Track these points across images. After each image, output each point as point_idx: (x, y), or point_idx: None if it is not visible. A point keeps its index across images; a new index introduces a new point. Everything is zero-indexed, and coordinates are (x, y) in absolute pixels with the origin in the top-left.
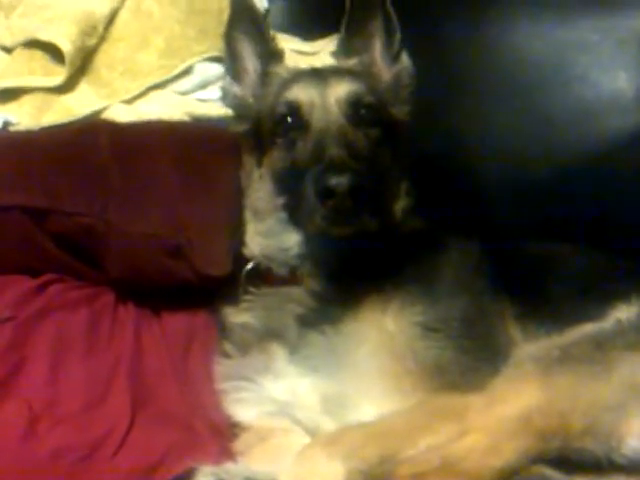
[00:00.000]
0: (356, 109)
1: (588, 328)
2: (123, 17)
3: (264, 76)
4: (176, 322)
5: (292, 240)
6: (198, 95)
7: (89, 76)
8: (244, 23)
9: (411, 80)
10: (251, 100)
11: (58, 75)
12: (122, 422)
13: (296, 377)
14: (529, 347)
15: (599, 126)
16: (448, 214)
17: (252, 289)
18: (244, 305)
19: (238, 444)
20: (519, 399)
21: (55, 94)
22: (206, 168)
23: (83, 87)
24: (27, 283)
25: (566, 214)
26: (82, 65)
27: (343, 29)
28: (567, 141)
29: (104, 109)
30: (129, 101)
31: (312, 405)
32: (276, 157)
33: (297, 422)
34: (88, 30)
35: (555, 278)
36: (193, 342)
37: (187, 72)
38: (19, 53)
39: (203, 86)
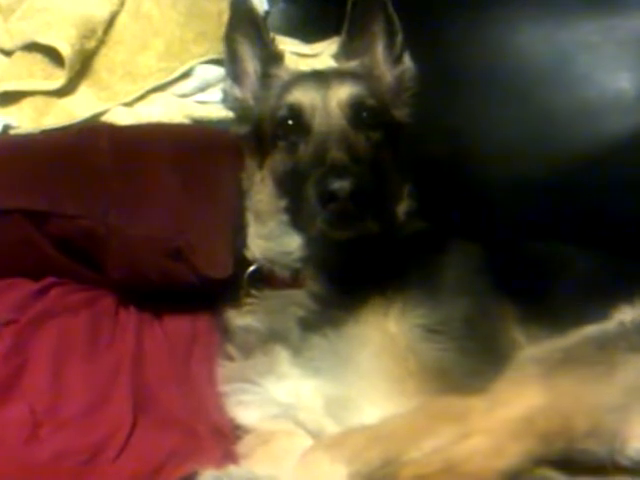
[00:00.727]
0: (358, 112)
1: (591, 330)
2: (122, 20)
3: (265, 78)
4: (178, 325)
5: (294, 243)
6: (198, 98)
7: (89, 79)
8: (244, 25)
9: (413, 82)
10: (252, 102)
11: (58, 78)
12: (124, 425)
13: (299, 379)
14: (532, 349)
15: (601, 126)
16: (450, 215)
17: (254, 292)
18: (246, 308)
19: (241, 447)
20: (522, 401)
21: (55, 97)
22: (207, 171)
23: (83, 90)
24: (28, 286)
25: (568, 214)
26: (82, 68)
27: (344, 31)
28: (569, 141)
29: (104, 112)
30: (129, 104)
31: (315, 407)
32: (277, 160)
33: (300, 424)
34: (88, 33)
35: (558, 280)
36: (195, 345)
37: (187, 75)
38: (19, 56)
39: (203, 89)
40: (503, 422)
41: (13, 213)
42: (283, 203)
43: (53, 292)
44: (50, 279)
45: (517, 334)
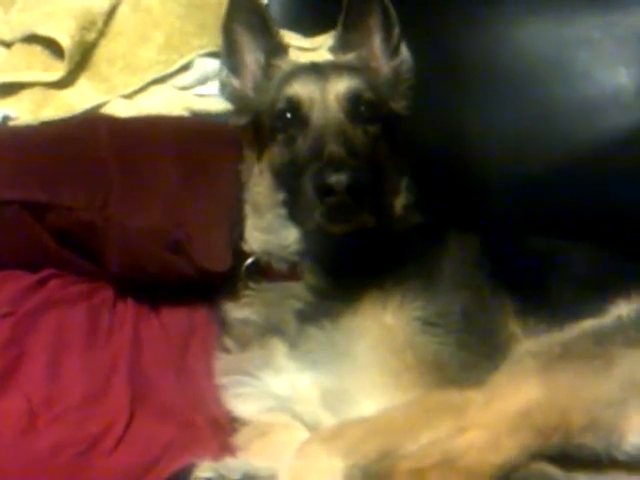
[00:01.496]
0: (355, 106)
1: (588, 324)
2: (122, 12)
3: (267, 69)
4: (175, 317)
5: (291, 236)
6: (197, 90)
7: (88, 71)
8: (244, 15)
9: (411, 73)
10: (251, 94)
11: (57, 70)
12: (121, 417)
13: (296, 372)
14: (529, 343)
15: (600, 122)
16: (448, 210)
17: (252, 284)
18: (244, 300)
19: (238, 439)
20: (519, 395)
21: (54, 89)
22: (206, 163)
23: (82, 82)
24: (26, 278)
25: (566, 210)
26: (81, 60)
27: (341, 24)
28: (568, 137)
29: (104, 104)
30: (128, 96)
31: (312, 400)
32: (276, 152)
33: (297, 417)
34: (87, 25)
35: (555, 274)
36: (192, 337)
37: (186, 67)
38: (18, 48)
39: (202, 81)
40: (500, 416)
41: (12, 204)
42: (281, 196)
43: (51, 284)
44: (48, 271)
45: (514, 327)
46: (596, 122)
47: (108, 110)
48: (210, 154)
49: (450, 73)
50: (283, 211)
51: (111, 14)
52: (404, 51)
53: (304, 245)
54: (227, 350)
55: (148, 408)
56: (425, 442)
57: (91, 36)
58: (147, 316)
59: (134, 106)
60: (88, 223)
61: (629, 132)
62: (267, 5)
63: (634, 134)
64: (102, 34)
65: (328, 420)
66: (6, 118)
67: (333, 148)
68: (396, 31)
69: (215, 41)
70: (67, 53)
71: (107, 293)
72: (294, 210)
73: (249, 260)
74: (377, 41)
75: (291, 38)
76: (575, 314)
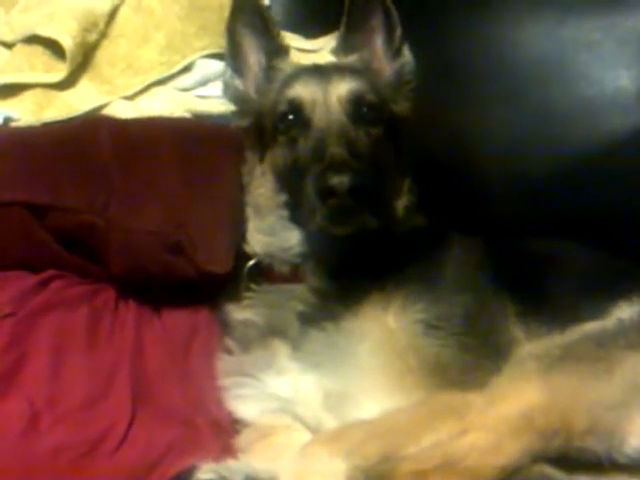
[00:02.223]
0: (358, 107)
1: (590, 327)
2: (124, 13)
3: (268, 71)
4: (177, 319)
5: (293, 238)
6: (199, 92)
7: (90, 72)
8: (247, 16)
9: (413, 75)
10: (253, 95)
11: (59, 71)
12: (123, 419)
13: (298, 374)
14: (531, 346)
15: (600, 124)
16: (449, 211)
17: (254, 286)
18: (246, 302)
19: (239, 441)
20: (521, 398)
21: (56, 90)
22: (207, 164)
23: (84, 83)
24: (28, 279)
25: (567, 211)
26: (83, 61)
27: (343, 25)
28: (568, 139)
29: (105, 105)
30: (130, 97)
31: (314, 402)
32: (278, 154)
33: (299, 419)
34: (89, 26)
35: (557, 276)
36: (194, 339)
37: (188, 69)
38: (20, 49)
39: (204, 83)
40: (502, 419)
41: (13, 206)
42: (283, 198)
43: (53, 285)
44: (50, 272)
45: (516, 330)
46: (597, 124)
47: (109, 111)
48: (211, 155)
49: (450, 75)
50: (285, 213)
51: (113, 15)
52: (406, 53)
53: (306, 247)
54: (229, 351)
55: (150, 410)
56: (427, 444)
57: (92, 37)
58: (149, 318)
59: (135, 107)
60: (90, 225)
61: (630, 134)
62: (269, 7)
63: (635, 136)
64: (104, 35)
65: (330, 422)
66: (8, 119)
67: (335, 150)
68: (398, 33)
69: (216, 42)
70: (68, 54)
71: (109, 294)
72: (296, 212)
73: (251, 262)
74: (379, 43)
75: (293, 40)
76: (577, 316)
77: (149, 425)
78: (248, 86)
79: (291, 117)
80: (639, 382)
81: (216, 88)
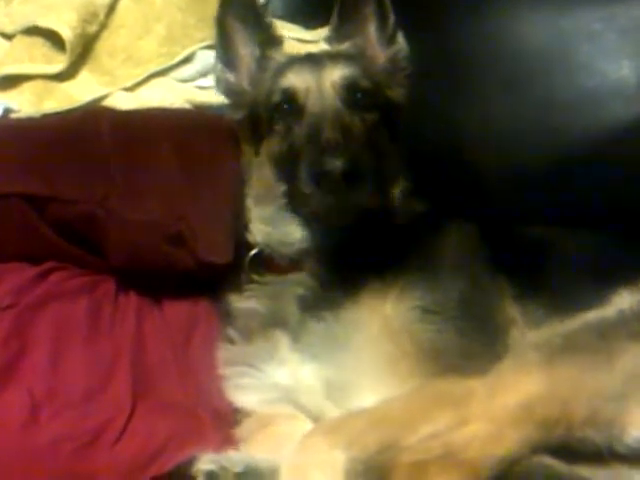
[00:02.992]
0: (352, 93)
1: (591, 316)
2: (124, 4)
3: (262, 61)
4: (178, 310)
5: (293, 228)
6: (199, 83)
7: (90, 63)
8: (236, 8)
9: (407, 62)
10: (247, 87)
11: (59, 62)
12: (123, 410)
13: (299, 364)
14: (531, 335)
15: (602, 115)
16: (447, 200)
17: (255, 276)
18: (248, 292)
19: (240, 431)
20: (521, 387)
21: (56, 81)
22: (207, 155)
23: (84, 74)
24: (28, 271)
25: (567, 202)
26: (83, 52)
27: (335, 14)
28: (569, 129)
29: (105, 96)
30: (130, 88)
31: (315, 391)
32: (274, 144)
33: (301, 408)
34: (89, 17)
35: (555, 260)
36: (195, 330)
37: (188, 60)
38: (19, 40)
39: (204, 74)
40: (502, 409)
41: (13, 197)
42: (281, 187)
43: (53, 277)
44: (50, 264)
45: (513, 312)
46: (598, 114)
47: (109, 102)
48: (211, 146)
49: (451, 65)
50: (284, 202)
51: (113, 6)
52: (400, 40)
53: (306, 236)
54: (231, 341)
55: (150, 401)
56: (426, 434)
57: (92, 28)
58: (149, 308)
59: (135, 98)
60: (89, 216)
61: (631, 124)
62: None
63: (636, 126)
64: (103, 26)
65: (332, 411)
66: (8, 110)
67: (329, 134)
68: (391, 20)
69: None
70: (68, 45)
71: (109, 286)
72: (293, 200)
73: (252, 252)
74: (372, 30)
75: (292, 30)
76: (576, 301)
77: (149, 416)
78: (241, 78)
79: (285, 106)
80: (639, 373)
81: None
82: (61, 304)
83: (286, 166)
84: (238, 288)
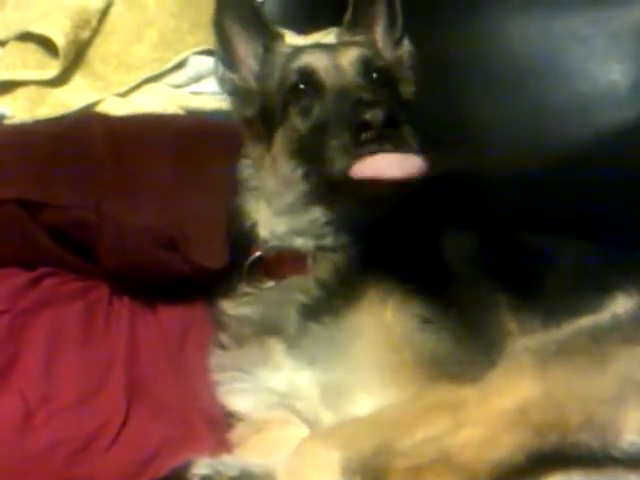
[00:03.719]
0: (368, 71)
1: (585, 322)
2: (117, 10)
3: (266, 56)
4: (172, 315)
5: (317, 209)
6: (192, 88)
7: (83, 69)
8: (233, 10)
9: (412, 67)
10: (252, 84)
11: (52, 68)
12: (117, 415)
13: (295, 370)
14: (525, 340)
15: (593, 119)
16: (443, 205)
17: (253, 282)
18: (243, 298)
19: (234, 435)
20: (516, 392)
21: (49, 87)
22: (201, 160)
23: (77, 80)
24: (22, 276)
25: (558, 206)
26: (76, 58)
27: (349, 13)
28: (561, 134)
29: (98, 102)
30: (123, 94)
31: (311, 396)
32: (291, 128)
33: (296, 413)
34: (82, 23)
35: (551, 269)
36: (189, 335)
37: (181, 65)
38: (13, 46)
39: (197, 79)
40: (497, 413)
41: (7, 203)
42: (301, 171)
43: (46, 282)
44: (43, 269)
45: (510, 322)
46: (589, 118)
47: (103, 108)
48: (206, 151)
49: (441, 69)
50: (305, 187)
51: (105, 12)
52: (406, 43)
53: (330, 216)
54: (223, 346)
55: (144, 405)
56: (421, 438)
57: (85, 34)
58: (143, 313)
59: (129, 104)
60: (83, 221)
61: (622, 128)
62: (262, 2)
63: (627, 130)
64: (96, 32)
65: (328, 416)
66: (1, 116)
67: (360, 94)
68: (400, 23)
69: (209, 39)
70: (61, 51)
71: (103, 291)
72: (318, 178)
73: (254, 255)
74: (380, 30)
75: (286, 35)
76: (571, 309)
77: (144, 421)
78: (245, 77)
79: (302, 86)
80: (634, 376)
81: (209, 84)
82: (55, 309)
83: (308, 146)
84: (231, 294)
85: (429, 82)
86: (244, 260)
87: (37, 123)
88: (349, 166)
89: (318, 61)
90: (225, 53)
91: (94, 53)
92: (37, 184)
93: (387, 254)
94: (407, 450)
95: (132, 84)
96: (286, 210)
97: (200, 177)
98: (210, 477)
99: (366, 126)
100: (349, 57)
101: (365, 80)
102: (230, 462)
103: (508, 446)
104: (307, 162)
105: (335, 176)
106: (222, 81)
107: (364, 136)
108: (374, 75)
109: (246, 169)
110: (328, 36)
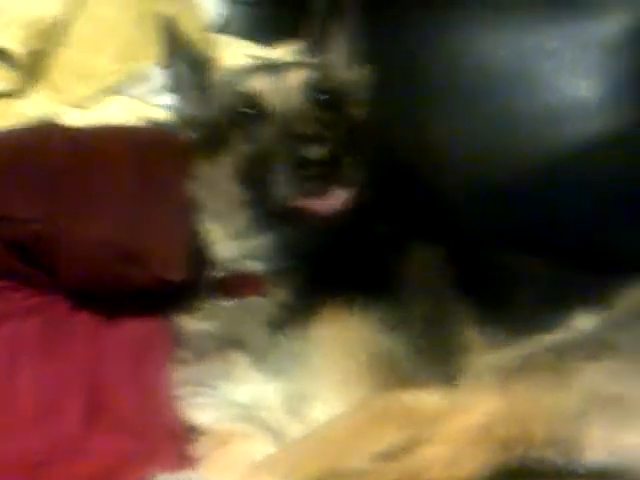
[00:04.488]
0: (316, 94)
1: (549, 338)
2: (76, 21)
3: (203, 82)
4: (132, 328)
5: (263, 236)
6: (153, 100)
7: (42, 81)
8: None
9: (368, 88)
10: (199, 111)
11: (9, 80)
12: (78, 430)
13: (261, 382)
14: (489, 355)
15: (561, 132)
16: (412, 219)
17: (213, 298)
18: (203, 313)
19: (197, 449)
20: (480, 408)
21: (8, 99)
22: (162, 172)
23: (36, 92)
24: None
25: (527, 219)
26: (35, 70)
27: (308, 30)
28: (529, 147)
29: (58, 114)
30: (83, 106)
31: (276, 406)
32: (237, 153)
33: (260, 424)
34: (40, 34)
35: (516, 286)
36: (151, 349)
37: (142, 77)
38: None
39: (157, 91)
40: (461, 430)
41: None
42: (248, 196)
43: (4, 296)
44: (2, 283)
45: (473, 336)
46: (558, 132)
47: (63, 120)
48: (166, 163)
49: (412, 83)
50: (251, 212)
51: (64, 23)
52: (361, 68)
53: (276, 241)
54: (184, 362)
55: (105, 420)
56: (373, 456)
57: (44, 45)
58: (104, 328)
59: (89, 116)
60: (41, 235)
61: (591, 142)
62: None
63: (595, 144)
64: (55, 43)
65: (292, 425)
66: None
67: (305, 124)
68: (355, 44)
69: None
70: (19, 63)
71: (62, 305)
72: (263, 204)
73: (212, 274)
74: (339, 50)
75: (250, 48)
76: (536, 326)
77: (104, 436)
78: (192, 105)
79: (247, 111)
80: (598, 393)
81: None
82: (13, 324)
83: (253, 172)
84: (192, 309)
85: (396, 98)
86: (203, 277)
87: None
88: (289, 197)
89: (263, 84)
90: (179, 91)
91: (53, 64)
92: None
93: (344, 271)
94: (363, 471)
95: (92, 95)
96: (237, 234)
97: (161, 189)
98: None
99: (307, 162)
100: (296, 79)
101: (311, 103)
102: (192, 478)
103: (474, 463)
104: (252, 188)
105: (277, 204)
106: (178, 113)
107: (303, 172)
108: (322, 97)
109: (198, 189)
110: (291, 50)
